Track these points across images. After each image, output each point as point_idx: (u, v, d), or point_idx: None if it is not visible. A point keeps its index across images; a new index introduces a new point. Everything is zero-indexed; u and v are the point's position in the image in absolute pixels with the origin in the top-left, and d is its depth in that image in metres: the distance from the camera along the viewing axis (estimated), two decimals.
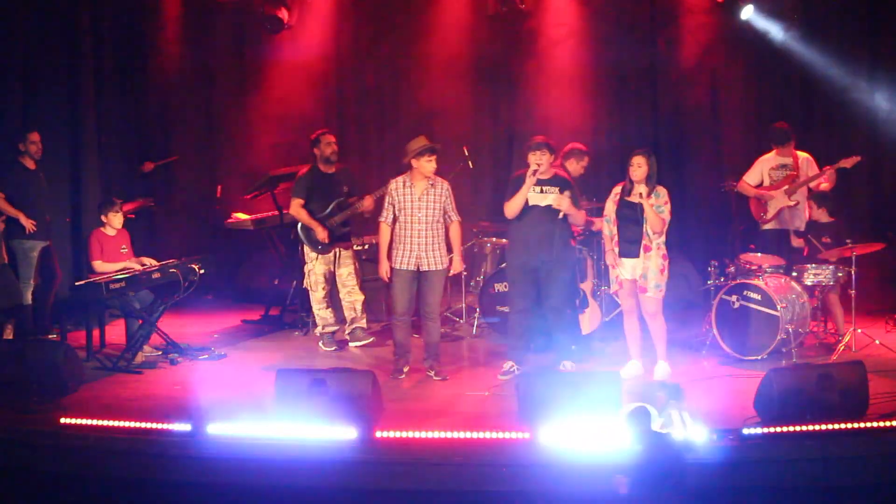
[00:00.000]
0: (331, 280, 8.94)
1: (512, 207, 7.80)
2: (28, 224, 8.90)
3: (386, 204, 8.00)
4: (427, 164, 7.84)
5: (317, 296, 8.90)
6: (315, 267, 8.86)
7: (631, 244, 7.75)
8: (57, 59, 9.97)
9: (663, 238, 7.78)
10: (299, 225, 8.88)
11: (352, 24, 11.66)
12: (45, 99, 9.87)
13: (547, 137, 7.90)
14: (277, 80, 11.49)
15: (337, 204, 8.77)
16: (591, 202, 9.19)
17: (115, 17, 10.66)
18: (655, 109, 11.36)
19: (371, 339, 8.94)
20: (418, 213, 7.85)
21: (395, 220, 7.94)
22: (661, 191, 7.78)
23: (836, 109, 10.54)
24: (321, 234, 8.73)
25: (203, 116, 11.79)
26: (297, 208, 8.82)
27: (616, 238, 7.81)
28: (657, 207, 7.69)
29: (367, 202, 8.69)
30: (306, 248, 8.90)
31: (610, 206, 7.87)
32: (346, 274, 8.90)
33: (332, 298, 8.98)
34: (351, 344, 8.98)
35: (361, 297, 8.97)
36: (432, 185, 7.89)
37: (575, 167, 8.81)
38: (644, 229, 7.70)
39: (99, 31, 10.36)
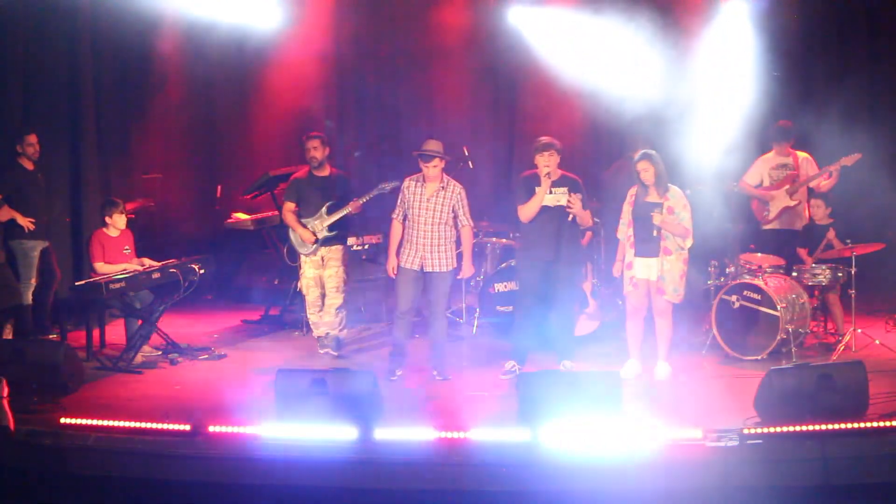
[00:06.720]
0: (321, 284, 8.76)
1: (527, 212, 7.81)
2: (25, 223, 8.87)
3: (399, 202, 8.04)
4: (424, 169, 7.89)
5: (308, 299, 8.77)
6: (306, 270, 8.75)
7: (647, 243, 7.73)
8: (57, 60, 9.94)
9: (690, 243, 7.76)
10: (290, 228, 8.80)
11: (352, 24, 11.65)
12: (45, 99, 9.85)
13: (552, 138, 7.90)
14: (278, 80, 11.46)
15: (327, 207, 8.66)
16: (591, 201, 9.19)
17: (114, 18, 10.63)
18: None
19: (337, 355, 8.63)
20: (425, 214, 7.88)
21: (406, 218, 7.99)
22: (675, 191, 7.77)
23: (837, 108, 10.51)
24: (305, 236, 8.62)
25: (203, 116, 11.77)
26: (285, 211, 8.76)
27: (632, 239, 7.80)
28: (678, 215, 7.68)
29: (353, 206, 8.55)
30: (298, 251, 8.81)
31: (626, 209, 7.89)
32: (328, 275, 8.68)
33: (323, 302, 8.81)
34: (320, 350, 8.75)
35: (339, 301, 8.67)
36: (443, 187, 7.92)
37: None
38: (663, 231, 7.69)
39: (98, 31, 10.33)
